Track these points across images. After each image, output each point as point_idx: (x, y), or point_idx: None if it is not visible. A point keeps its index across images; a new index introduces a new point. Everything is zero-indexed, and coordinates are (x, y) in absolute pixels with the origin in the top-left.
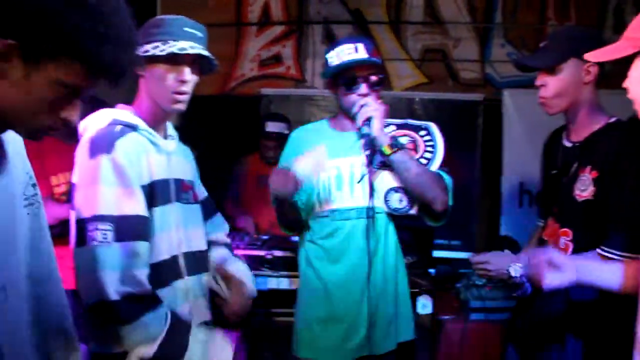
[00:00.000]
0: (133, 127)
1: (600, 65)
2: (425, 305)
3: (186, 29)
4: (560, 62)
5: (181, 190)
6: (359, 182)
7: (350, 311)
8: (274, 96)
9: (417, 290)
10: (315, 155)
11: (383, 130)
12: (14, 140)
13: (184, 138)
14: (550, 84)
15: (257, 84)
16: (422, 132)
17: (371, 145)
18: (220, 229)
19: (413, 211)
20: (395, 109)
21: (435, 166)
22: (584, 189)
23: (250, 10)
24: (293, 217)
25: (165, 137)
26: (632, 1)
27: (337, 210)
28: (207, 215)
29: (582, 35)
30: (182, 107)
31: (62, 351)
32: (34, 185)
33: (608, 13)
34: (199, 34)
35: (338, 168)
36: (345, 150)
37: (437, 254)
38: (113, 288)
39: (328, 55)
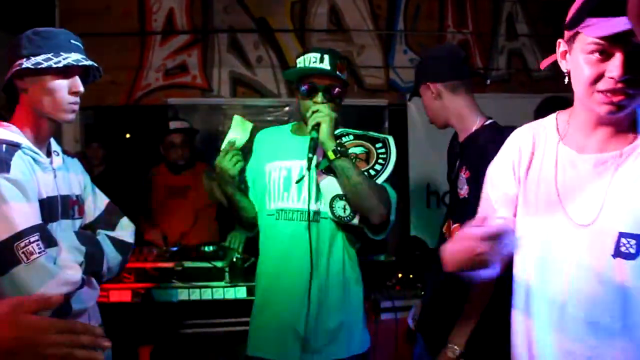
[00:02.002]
0: (17, 146)
1: (460, 77)
2: None
3: (72, 41)
4: (418, 91)
5: (68, 206)
6: (297, 182)
7: (290, 313)
8: (181, 106)
9: None
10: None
11: (331, 136)
12: None
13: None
14: (425, 107)
15: (164, 93)
16: (379, 145)
17: (313, 148)
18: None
19: (355, 221)
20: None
21: (383, 178)
22: (462, 187)
23: (154, 18)
24: (241, 212)
25: (49, 153)
26: (522, 11)
27: (283, 209)
28: (111, 224)
29: (427, 63)
30: (74, 117)
31: None
32: None
33: (501, 22)
34: (81, 45)
35: (289, 169)
36: (298, 153)
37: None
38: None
39: (297, 60)
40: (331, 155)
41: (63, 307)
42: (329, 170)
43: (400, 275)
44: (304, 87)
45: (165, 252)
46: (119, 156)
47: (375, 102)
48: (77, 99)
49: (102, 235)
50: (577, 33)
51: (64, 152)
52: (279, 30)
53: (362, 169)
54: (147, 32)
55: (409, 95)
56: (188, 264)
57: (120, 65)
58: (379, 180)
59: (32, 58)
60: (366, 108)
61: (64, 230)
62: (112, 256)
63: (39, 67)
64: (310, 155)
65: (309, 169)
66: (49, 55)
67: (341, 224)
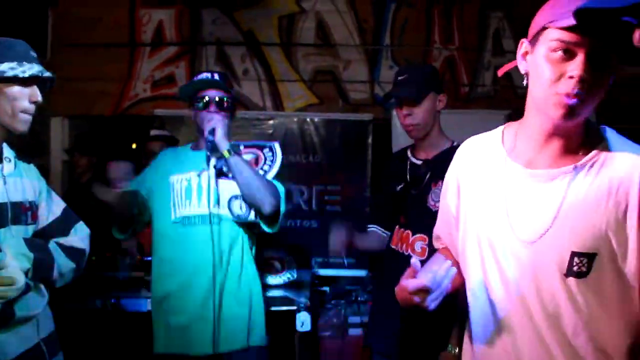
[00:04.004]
0: None
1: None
2: (304, 322)
3: (31, 52)
4: (424, 95)
5: (20, 212)
6: (198, 175)
7: (199, 309)
8: (168, 117)
9: (295, 307)
10: None
11: (224, 138)
12: None
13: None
14: (416, 113)
15: (151, 104)
16: (266, 150)
17: (211, 147)
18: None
19: (251, 216)
20: (287, 129)
21: (271, 176)
22: (438, 200)
23: (143, 30)
24: (125, 214)
25: (1, 159)
26: (510, 26)
27: (186, 217)
28: (65, 230)
29: (434, 73)
30: (27, 128)
31: None
32: None
33: (488, 38)
34: (37, 56)
35: (189, 180)
36: (196, 165)
37: (332, 272)
38: None
39: (192, 80)
40: (226, 154)
41: (6, 312)
42: (225, 174)
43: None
44: (198, 101)
45: (138, 261)
46: (104, 164)
47: (359, 116)
48: (33, 109)
49: (52, 243)
50: (543, 30)
51: (19, 158)
52: (266, 43)
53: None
54: (137, 43)
55: (408, 92)
56: None
57: (109, 75)
58: (268, 177)
59: None
60: (350, 122)
61: (14, 236)
62: (62, 263)
63: (4, 75)
64: (208, 153)
65: (207, 164)
66: (13, 65)
67: (240, 223)
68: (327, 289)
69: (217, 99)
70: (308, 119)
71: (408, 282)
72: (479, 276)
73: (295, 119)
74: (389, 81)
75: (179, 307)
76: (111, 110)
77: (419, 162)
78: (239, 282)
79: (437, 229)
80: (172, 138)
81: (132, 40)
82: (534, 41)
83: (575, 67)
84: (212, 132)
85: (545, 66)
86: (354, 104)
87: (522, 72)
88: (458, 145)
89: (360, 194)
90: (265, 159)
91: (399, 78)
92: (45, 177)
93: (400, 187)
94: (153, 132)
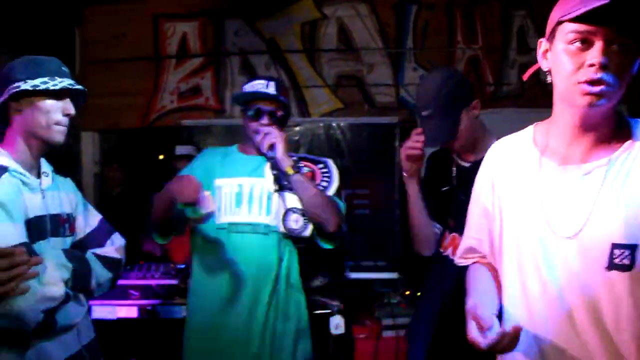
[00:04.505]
0: (4, 169)
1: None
2: (338, 325)
3: (63, 68)
4: (458, 125)
5: (58, 225)
6: (275, 191)
7: (238, 325)
8: (195, 127)
9: (329, 311)
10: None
11: (285, 155)
12: None
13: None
14: (460, 136)
15: (178, 115)
16: (320, 165)
17: (276, 167)
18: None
19: (307, 233)
20: (314, 135)
21: (331, 193)
22: None
23: (168, 43)
24: (172, 222)
25: (39, 174)
26: (534, 24)
27: (234, 223)
28: (101, 241)
29: (455, 89)
30: (63, 139)
31: None
32: None
33: (512, 35)
34: (68, 72)
35: (240, 186)
36: (247, 170)
37: (363, 275)
38: (41, 309)
39: (244, 86)
40: (290, 171)
41: (48, 322)
42: (283, 186)
43: (407, 292)
44: (250, 111)
45: (171, 269)
46: (137, 177)
47: (386, 120)
48: (67, 121)
49: (89, 254)
50: (558, 25)
51: (56, 172)
52: (289, 50)
53: None
54: (162, 56)
55: (443, 136)
56: None
57: (136, 89)
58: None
59: (29, 81)
60: (377, 126)
61: (54, 247)
62: (100, 273)
63: (37, 88)
64: (275, 172)
65: (277, 184)
66: (45, 79)
67: (290, 236)
68: (358, 291)
69: (269, 110)
70: (334, 124)
71: (477, 340)
72: (515, 278)
73: (322, 125)
74: (414, 83)
75: (221, 320)
76: (139, 123)
77: (467, 165)
78: (287, 296)
79: (469, 240)
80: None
81: (157, 53)
82: (551, 38)
83: (594, 54)
84: (272, 147)
85: (565, 58)
86: (379, 107)
87: (545, 69)
88: None
89: (389, 197)
90: (322, 175)
91: (423, 113)
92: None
93: (445, 189)
94: (179, 151)
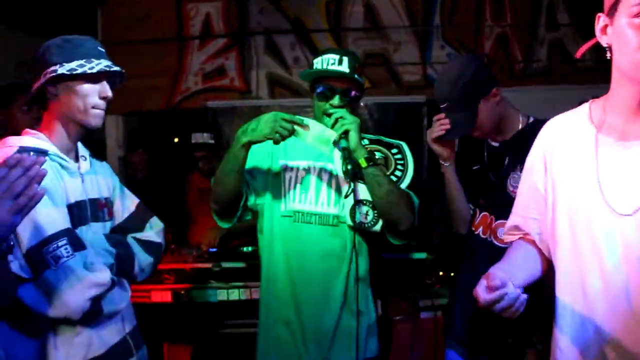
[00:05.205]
0: (44, 153)
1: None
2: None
3: (99, 48)
4: (476, 117)
5: (97, 209)
6: (345, 197)
7: (306, 320)
8: (220, 109)
9: None
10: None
11: (360, 144)
12: None
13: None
14: (481, 125)
15: (203, 97)
16: (394, 150)
17: (348, 158)
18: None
19: (377, 227)
20: None
21: (405, 185)
22: (516, 185)
23: (191, 24)
24: (231, 193)
25: (77, 158)
26: (563, 1)
27: (301, 212)
28: (140, 225)
29: (470, 81)
30: (100, 123)
31: None
32: None
33: (541, 12)
34: (105, 52)
35: (307, 171)
36: (315, 154)
37: (393, 255)
38: (88, 296)
39: (314, 60)
40: (363, 163)
41: (94, 309)
42: (354, 177)
43: (441, 273)
44: (320, 89)
45: (204, 253)
46: (160, 161)
47: (413, 98)
48: (105, 104)
49: (130, 238)
50: None
51: (92, 156)
52: (314, 30)
53: None
54: (185, 37)
55: (463, 127)
56: (226, 264)
57: (159, 70)
58: (402, 187)
59: (66, 64)
60: (404, 105)
61: (95, 233)
62: (142, 258)
63: (74, 72)
64: (350, 167)
65: (348, 174)
66: (82, 62)
67: (359, 229)
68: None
69: (342, 89)
70: (361, 103)
71: (479, 294)
72: (570, 257)
73: None
74: (441, 62)
75: (290, 318)
76: (164, 105)
77: (497, 145)
78: (357, 291)
79: (515, 217)
80: (214, 146)
81: (180, 34)
82: (612, 12)
83: None
84: (344, 136)
85: (629, 32)
86: (406, 86)
87: (604, 45)
88: (535, 120)
89: (417, 176)
90: (396, 162)
91: (441, 106)
92: None
93: (476, 167)
94: (195, 138)
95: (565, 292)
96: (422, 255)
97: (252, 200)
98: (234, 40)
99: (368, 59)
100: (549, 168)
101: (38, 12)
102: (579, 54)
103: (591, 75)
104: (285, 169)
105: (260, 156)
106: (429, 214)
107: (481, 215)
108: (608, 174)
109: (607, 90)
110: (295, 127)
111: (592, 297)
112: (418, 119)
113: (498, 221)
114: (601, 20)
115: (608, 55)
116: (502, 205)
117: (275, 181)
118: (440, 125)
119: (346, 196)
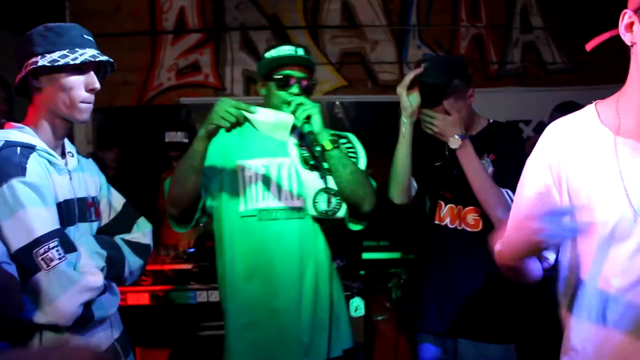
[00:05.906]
0: (32, 148)
1: None
2: (358, 307)
3: (85, 36)
4: (465, 94)
5: (84, 209)
6: (298, 178)
7: (289, 318)
8: (194, 105)
9: (349, 293)
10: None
11: (323, 127)
12: None
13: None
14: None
15: (176, 93)
16: (343, 140)
17: (309, 143)
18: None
19: (341, 212)
20: None
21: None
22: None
23: (164, 18)
24: (190, 194)
25: (64, 154)
26: (536, 3)
27: (265, 209)
28: (128, 226)
29: (463, 75)
30: (88, 117)
31: None
32: None
33: (515, 14)
34: (93, 40)
35: (266, 167)
36: (271, 150)
37: (366, 255)
38: (81, 301)
39: (268, 53)
40: (328, 145)
41: (85, 315)
42: (312, 166)
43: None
44: (278, 77)
45: (182, 253)
46: (132, 158)
47: (389, 98)
48: (92, 97)
49: (118, 240)
50: None
51: (78, 152)
52: (291, 27)
53: None
54: (158, 31)
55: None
56: (205, 264)
57: (131, 65)
58: None
59: (47, 55)
60: (380, 104)
61: (82, 234)
62: (132, 260)
63: (56, 64)
64: (307, 148)
65: (307, 163)
66: (64, 52)
67: (321, 219)
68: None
69: (300, 77)
70: (337, 102)
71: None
72: (592, 265)
73: (325, 103)
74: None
75: (264, 318)
76: (135, 101)
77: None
78: (330, 282)
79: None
80: (188, 145)
81: (153, 28)
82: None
83: None
84: (307, 121)
85: None
86: (382, 85)
87: (628, 43)
88: (495, 123)
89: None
90: (347, 151)
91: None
92: None
93: (438, 164)
94: (169, 137)
95: (585, 295)
96: (396, 254)
97: (208, 202)
98: (209, 36)
99: (345, 58)
100: (561, 173)
101: (3, 3)
102: (589, 47)
103: (562, 78)
104: (244, 168)
105: (214, 157)
106: (401, 215)
107: (447, 207)
108: (633, 177)
109: (578, 93)
110: (249, 116)
111: (614, 296)
112: (394, 118)
113: (467, 208)
114: (626, 16)
115: (632, 53)
116: (468, 194)
117: (233, 181)
118: (416, 71)
119: (308, 169)
